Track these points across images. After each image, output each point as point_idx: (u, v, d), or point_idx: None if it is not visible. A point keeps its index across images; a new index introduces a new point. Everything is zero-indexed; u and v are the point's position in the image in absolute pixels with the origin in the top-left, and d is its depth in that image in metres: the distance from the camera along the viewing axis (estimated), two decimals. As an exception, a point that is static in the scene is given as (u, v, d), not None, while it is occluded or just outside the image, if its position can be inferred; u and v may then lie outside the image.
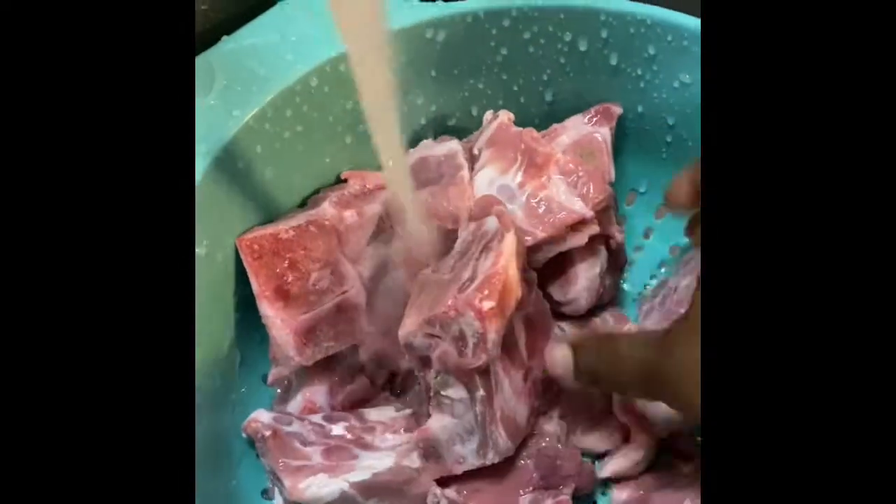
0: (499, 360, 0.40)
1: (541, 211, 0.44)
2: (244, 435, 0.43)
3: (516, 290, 0.39)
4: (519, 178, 0.45)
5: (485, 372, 0.39)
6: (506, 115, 0.47)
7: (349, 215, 0.43)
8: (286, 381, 0.46)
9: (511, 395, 0.41)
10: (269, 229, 0.42)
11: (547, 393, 0.44)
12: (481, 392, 0.40)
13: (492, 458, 0.41)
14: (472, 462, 0.41)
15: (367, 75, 0.34)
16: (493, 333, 0.38)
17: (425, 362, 0.40)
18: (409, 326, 0.40)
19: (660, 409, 0.42)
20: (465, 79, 0.48)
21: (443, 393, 0.41)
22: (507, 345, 0.40)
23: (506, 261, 0.38)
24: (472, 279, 0.39)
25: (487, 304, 0.37)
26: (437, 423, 0.41)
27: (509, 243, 0.39)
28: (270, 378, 0.44)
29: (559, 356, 0.39)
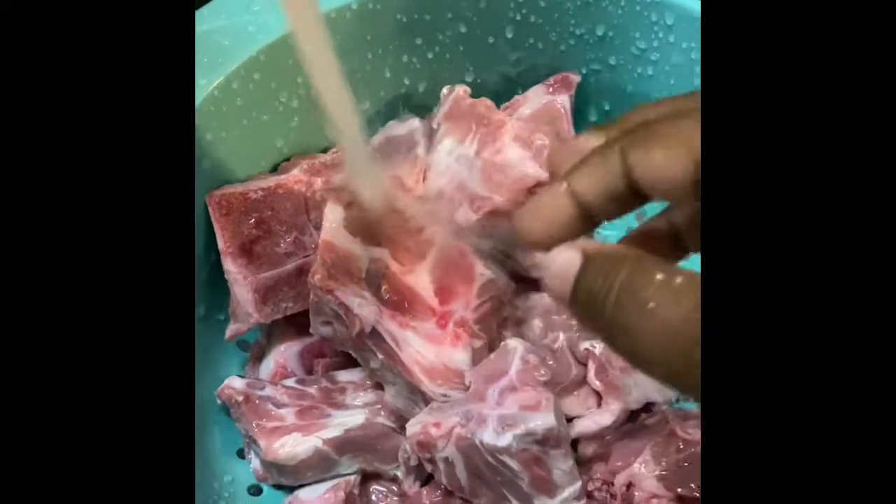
0: (388, 317, 0.41)
1: (496, 177, 0.44)
2: (218, 401, 0.44)
3: (345, 250, 0.40)
4: (475, 146, 0.46)
5: (374, 334, 0.40)
6: (461, 89, 0.48)
7: (318, 182, 0.44)
8: (258, 347, 0.47)
9: (423, 342, 0.41)
10: (239, 188, 0.43)
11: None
12: (380, 356, 0.41)
13: (435, 407, 0.41)
14: (426, 419, 0.41)
15: (309, 49, 0.33)
16: (353, 297, 0.39)
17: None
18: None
19: (633, 381, 0.44)
20: (428, 53, 0.49)
21: (372, 366, 0.42)
22: (403, 299, 0.41)
23: (326, 232, 0.41)
24: None
25: (317, 278, 0.39)
26: (388, 394, 0.43)
27: (329, 214, 0.41)
28: (228, 333, 0.44)
29: (561, 261, 0.27)
